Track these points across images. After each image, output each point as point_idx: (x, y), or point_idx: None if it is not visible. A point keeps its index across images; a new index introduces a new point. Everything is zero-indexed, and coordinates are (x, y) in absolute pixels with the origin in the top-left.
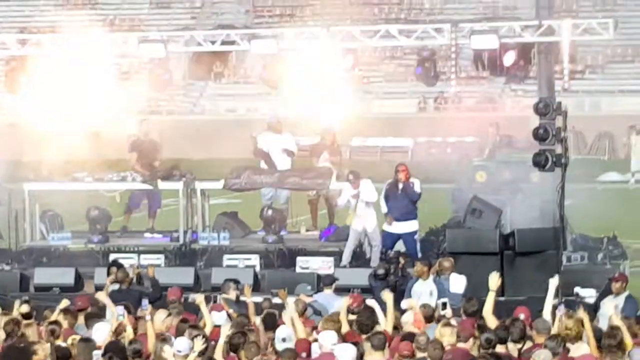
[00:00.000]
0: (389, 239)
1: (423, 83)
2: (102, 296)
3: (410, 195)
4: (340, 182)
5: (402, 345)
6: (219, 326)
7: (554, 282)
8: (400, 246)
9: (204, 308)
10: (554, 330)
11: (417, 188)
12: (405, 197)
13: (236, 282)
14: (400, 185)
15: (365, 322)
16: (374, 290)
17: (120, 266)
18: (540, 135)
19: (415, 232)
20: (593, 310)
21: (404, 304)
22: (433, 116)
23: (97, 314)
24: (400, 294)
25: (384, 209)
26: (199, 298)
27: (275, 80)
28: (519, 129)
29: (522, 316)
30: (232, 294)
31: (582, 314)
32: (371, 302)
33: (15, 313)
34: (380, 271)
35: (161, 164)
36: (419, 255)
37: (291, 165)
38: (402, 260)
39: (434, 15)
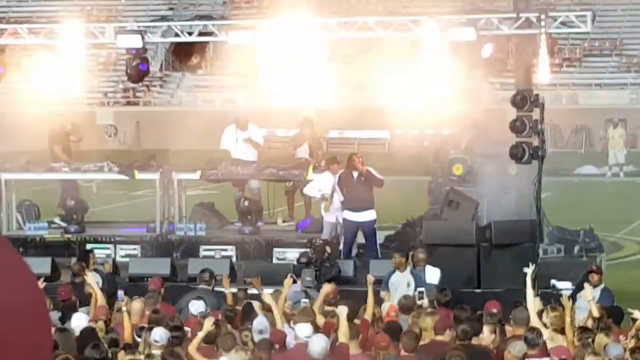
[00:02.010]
0: (349, 228)
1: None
2: (90, 279)
3: (373, 182)
4: (317, 174)
5: (379, 337)
6: (195, 316)
7: (529, 270)
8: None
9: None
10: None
11: (378, 174)
12: (362, 185)
13: (211, 272)
14: (356, 174)
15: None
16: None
17: (83, 259)
18: (517, 127)
19: (374, 221)
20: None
21: (381, 294)
22: (410, 108)
23: (74, 303)
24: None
25: (340, 197)
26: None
27: (252, 72)
28: (496, 122)
29: (494, 310)
30: (208, 285)
31: (566, 303)
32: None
33: None
34: (303, 259)
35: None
36: (378, 243)
37: (258, 157)
38: (328, 250)
39: (412, 8)
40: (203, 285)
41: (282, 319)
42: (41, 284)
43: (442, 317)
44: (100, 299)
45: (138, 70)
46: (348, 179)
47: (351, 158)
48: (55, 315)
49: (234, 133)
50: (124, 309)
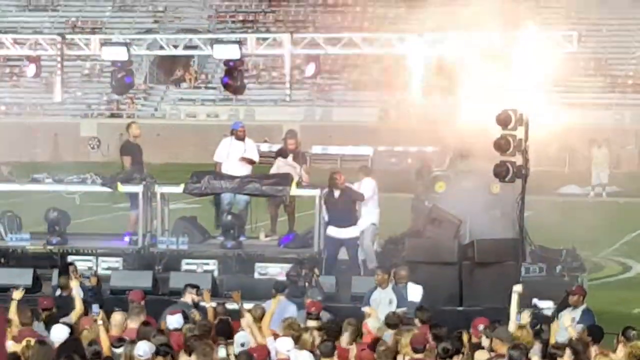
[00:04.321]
0: (332, 244)
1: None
2: (75, 285)
3: (354, 196)
4: (300, 189)
5: (364, 353)
6: (175, 330)
7: (517, 289)
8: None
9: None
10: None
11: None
12: (344, 203)
13: (195, 287)
14: (337, 193)
15: (333, 328)
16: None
17: (64, 272)
18: (501, 146)
19: (357, 238)
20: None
21: (364, 309)
22: (394, 125)
23: (59, 315)
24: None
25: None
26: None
27: (237, 86)
28: (481, 140)
29: (481, 327)
30: (188, 298)
31: (553, 328)
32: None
33: None
34: (293, 272)
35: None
36: (360, 261)
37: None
38: (316, 272)
39: (398, 25)
40: (183, 299)
41: (265, 333)
42: (20, 293)
43: (420, 335)
44: (80, 310)
45: (123, 82)
46: (330, 197)
47: (331, 177)
48: (40, 326)
49: (227, 147)
50: (99, 322)
